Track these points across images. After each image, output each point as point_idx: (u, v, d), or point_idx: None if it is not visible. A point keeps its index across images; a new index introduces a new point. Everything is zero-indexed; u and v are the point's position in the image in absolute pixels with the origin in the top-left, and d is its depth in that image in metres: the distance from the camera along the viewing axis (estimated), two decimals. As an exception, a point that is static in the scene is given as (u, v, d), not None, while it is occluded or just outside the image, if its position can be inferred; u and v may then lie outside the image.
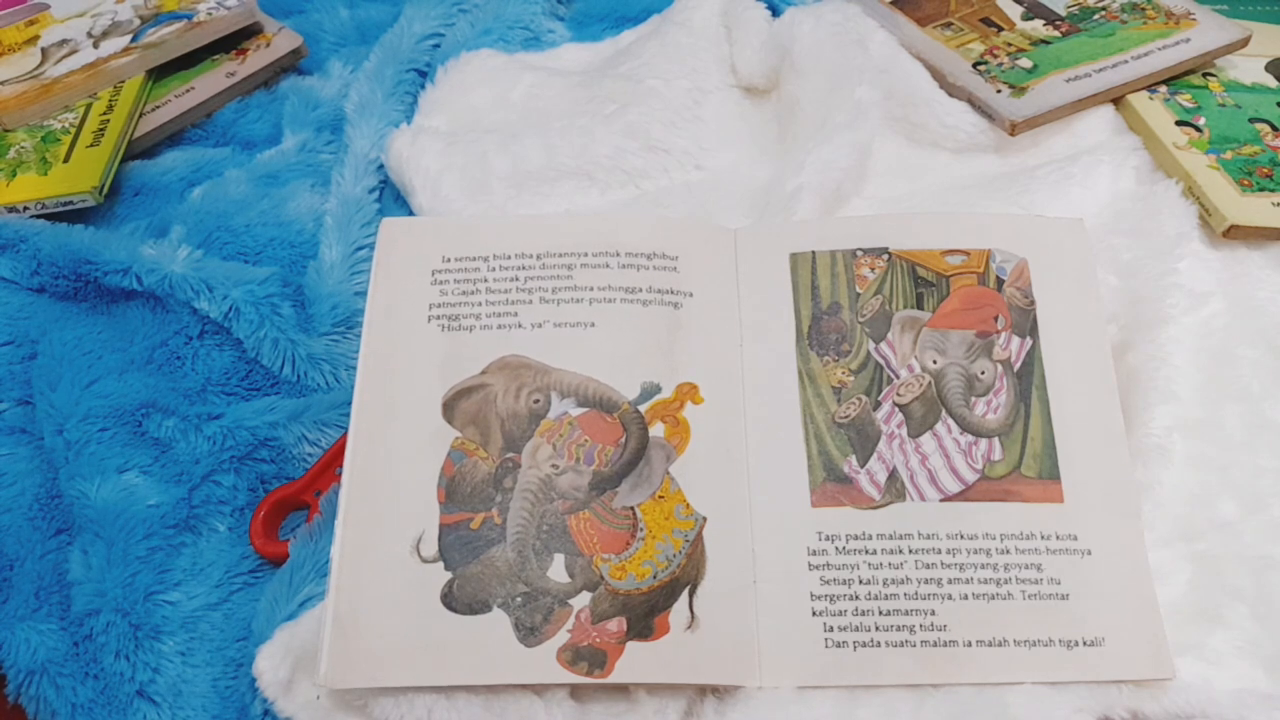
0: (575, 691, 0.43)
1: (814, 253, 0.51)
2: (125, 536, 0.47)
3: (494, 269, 0.50)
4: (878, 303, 0.49)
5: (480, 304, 0.49)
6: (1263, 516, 0.47)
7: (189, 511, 0.48)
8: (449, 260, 0.50)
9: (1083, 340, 0.48)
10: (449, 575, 0.43)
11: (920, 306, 0.49)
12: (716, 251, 0.51)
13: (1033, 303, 0.49)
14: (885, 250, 0.51)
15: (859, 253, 0.51)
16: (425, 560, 0.44)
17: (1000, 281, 0.50)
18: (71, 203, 0.58)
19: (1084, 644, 0.43)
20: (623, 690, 0.43)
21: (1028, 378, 0.47)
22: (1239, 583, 0.45)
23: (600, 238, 0.51)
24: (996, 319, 0.49)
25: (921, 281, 0.50)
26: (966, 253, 0.50)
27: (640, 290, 0.49)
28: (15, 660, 0.45)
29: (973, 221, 0.52)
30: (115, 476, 0.49)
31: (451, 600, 0.43)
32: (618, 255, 0.50)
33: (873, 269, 0.50)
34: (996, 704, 0.41)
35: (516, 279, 0.50)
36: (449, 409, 0.47)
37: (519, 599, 0.43)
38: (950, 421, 0.47)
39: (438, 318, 0.49)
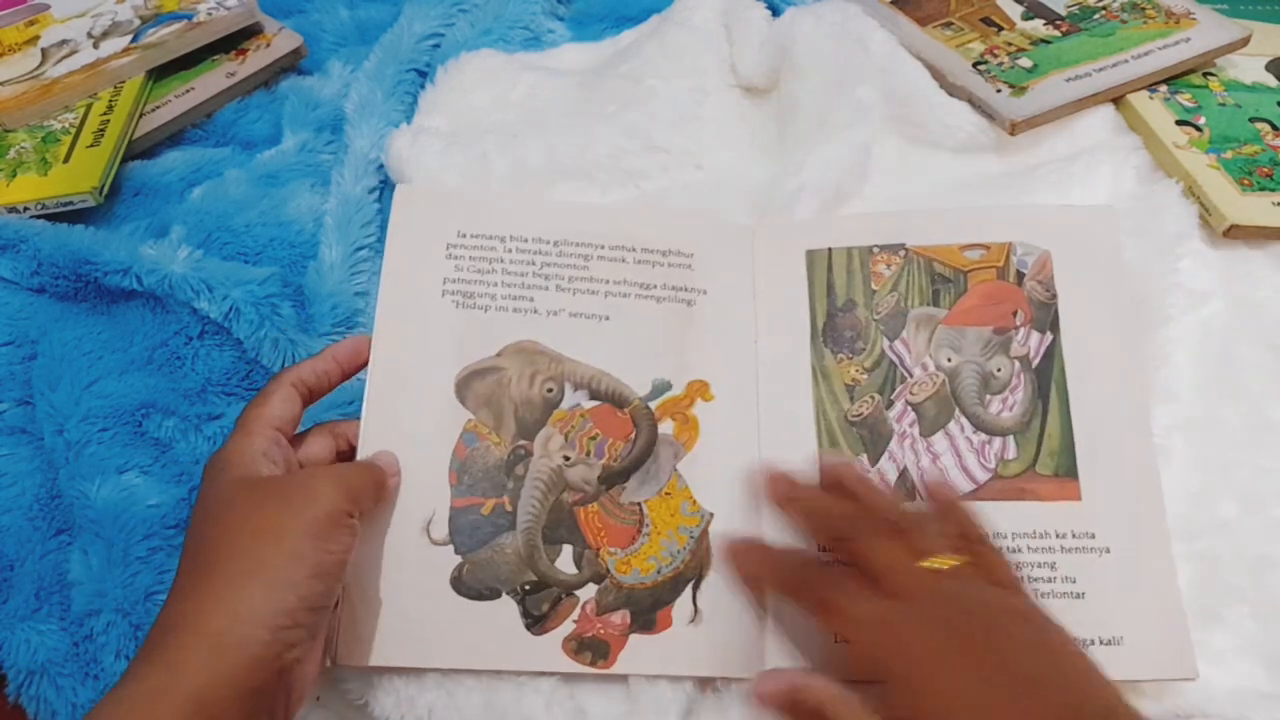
0: (576, 690, 0.43)
1: (830, 249, 0.51)
2: (125, 537, 0.47)
3: (510, 250, 0.50)
4: (893, 300, 0.49)
5: (496, 284, 0.49)
6: (1262, 516, 0.47)
7: (189, 512, 0.48)
8: (464, 235, 0.50)
9: (1108, 333, 0.48)
10: (459, 559, 0.44)
11: (936, 303, 0.49)
12: (732, 248, 0.51)
13: (1054, 296, 0.48)
14: (902, 246, 0.50)
15: (875, 249, 0.50)
16: (435, 543, 0.44)
17: (1020, 275, 0.49)
18: (71, 203, 0.58)
19: (1100, 643, 0.42)
20: (623, 688, 0.43)
21: (1046, 374, 0.47)
22: (1239, 583, 0.45)
23: (617, 231, 0.51)
24: (1015, 314, 0.48)
25: (938, 278, 0.50)
26: (986, 247, 0.50)
27: (655, 287, 0.49)
28: (15, 660, 0.45)
29: (995, 214, 0.51)
30: (115, 477, 0.49)
31: (461, 585, 0.43)
32: (634, 250, 0.50)
33: (889, 265, 0.50)
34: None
35: (533, 263, 0.49)
36: (462, 388, 0.46)
37: (527, 587, 0.43)
38: (963, 420, 0.47)
39: (452, 293, 0.48)
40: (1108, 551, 0.44)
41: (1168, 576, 0.43)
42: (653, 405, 0.47)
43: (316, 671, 0.37)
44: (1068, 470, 0.45)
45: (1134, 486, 0.45)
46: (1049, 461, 0.46)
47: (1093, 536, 0.44)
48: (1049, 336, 0.48)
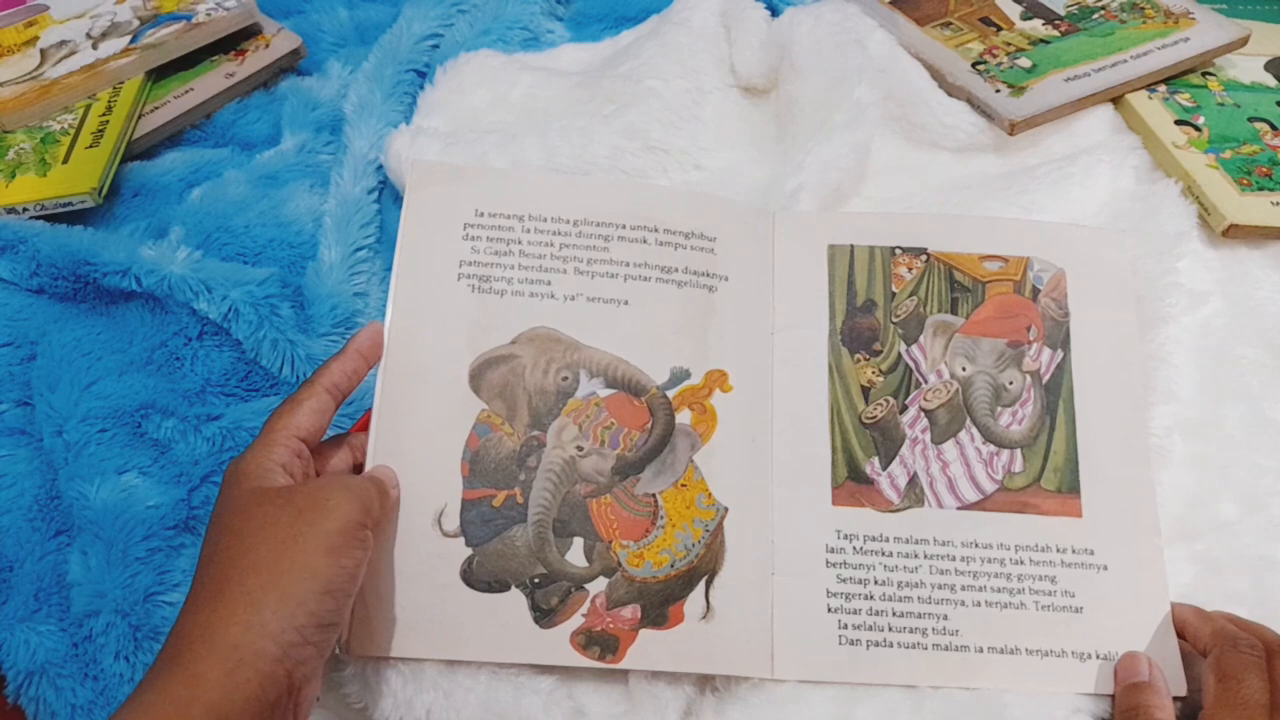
0: (574, 690, 0.43)
1: (853, 246, 0.50)
2: (125, 538, 0.47)
3: (529, 230, 0.49)
4: (912, 304, 0.49)
5: (513, 267, 0.48)
6: (1262, 516, 0.47)
7: (188, 513, 0.48)
8: (482, 214, 0.49)
9: (1114, 356, 0.48)
10: (469, 551, 0.44)
11: (954, 311, 0.49)
12: (754, 234, 0.51)
13: (1067, 314, 0.49)
14: (924, 251, 0.50)
15: (898, 250, 0.50)
16: (446, 535, 0.44)
17: (1036, 291, 0.49)
18: (71, 204, 0.58)
19: (1097, 657, 0.43)
20: (623, 688, 0.43)
21: (1055, 391, 0.47)
22: (1239, 583, 0.45)
23: (639, 209, 0.50)
24: (1029, 329, 0.48)
25: (957, 286, 0.50)
26: (1005, 259, 0.50)
27: (676, 270, 0.49)
28: (15, 661, 0.45)
29: (1014, 227, 0.52)
30: (115, 477, 0.49)
31: (471, 577, 0.43)
32: (656, 231, 0.49)
33: (910, 269, 0.50)
34: (994, 704, 0.42)
35: (551, 244, 0.49)
36: (476, 378, 0.46)
37: (536, 580, 0.43)
38: (974, 430, 0.47)
39: (468, 276, 0.48)
40: (1105, 569, 0.44)
41: (1161, 596, 0.44)
42: (671, 394, 0.46)
43: (319, 690, 0.37)
44: (1070, 487, 0.46)
45: (1132, 508, 0.45)
46: (1053, 477, 0.46)
47: (1091, 553, 0.44)
48: (1060, 354, 0.48)
